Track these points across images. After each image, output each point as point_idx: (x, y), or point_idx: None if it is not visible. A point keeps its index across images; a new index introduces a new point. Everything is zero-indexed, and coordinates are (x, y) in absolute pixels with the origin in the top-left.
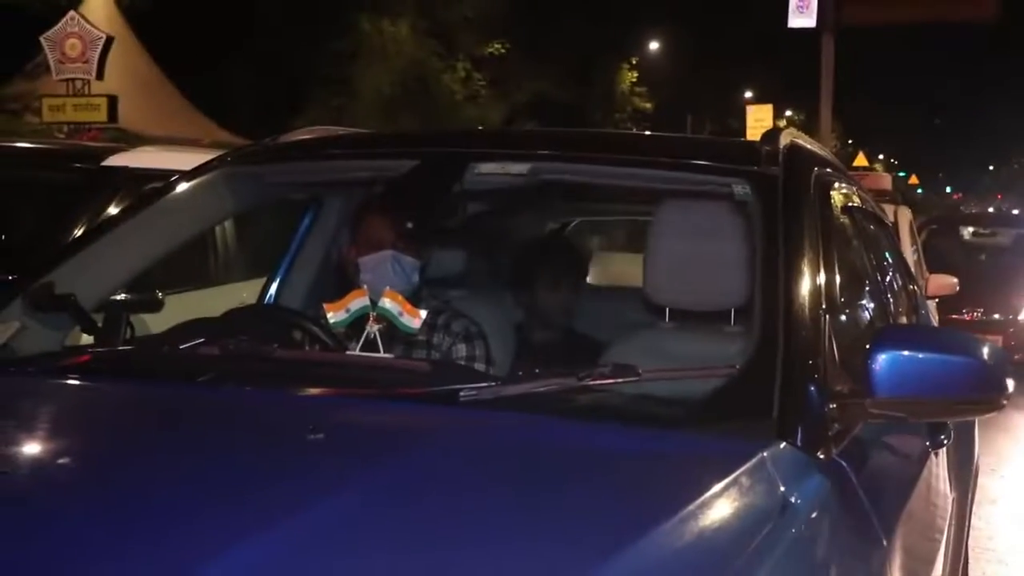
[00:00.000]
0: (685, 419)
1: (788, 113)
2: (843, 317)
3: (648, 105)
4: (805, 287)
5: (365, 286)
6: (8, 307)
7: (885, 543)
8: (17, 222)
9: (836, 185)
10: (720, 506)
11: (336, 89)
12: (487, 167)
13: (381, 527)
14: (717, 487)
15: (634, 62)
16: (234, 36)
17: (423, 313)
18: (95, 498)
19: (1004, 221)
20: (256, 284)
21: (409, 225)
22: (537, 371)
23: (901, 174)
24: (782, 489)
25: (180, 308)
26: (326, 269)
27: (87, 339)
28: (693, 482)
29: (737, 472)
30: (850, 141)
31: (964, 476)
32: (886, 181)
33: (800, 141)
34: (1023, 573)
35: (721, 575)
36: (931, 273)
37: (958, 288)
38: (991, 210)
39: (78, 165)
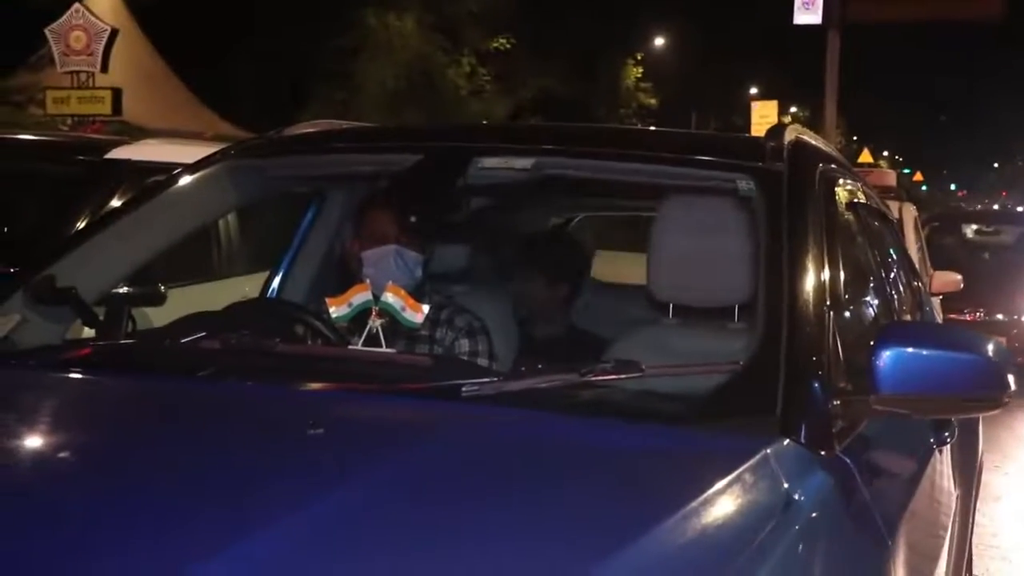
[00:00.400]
0: (688, 415)
1: (793, 109)
2: (847, 314)
3: (653, 101)
4: (809, 283)
5: (368, 280)
6: (9, 300)
7: (889, 540)
8: (20, 214)
9: (841, 181)
10: (723, 503)
11: (340, 83)
12: (491, 162)
13: (382, 524)
14: (720, 484)
15: (639, 58)
16: (239, 30)
17: (426, 308)
18: (94, 493)
19: (1008, 219)
20: (259, 278)
21: (412, 219)
22: (540, 367)
23: (906, 171)
24: (785, 486)
25: (183, 302)
26: (329, 263)
27: (89, 332)
28: (696, 479)
29: (740, 469)
30: (855, 138)
31: (968, 473)
32: (891, 178)
33: (805, 137)
34: None
35: (724, 572)
36: (935, 270)
37: (962, 286)
38: (995, 207)
39: (81, 158)
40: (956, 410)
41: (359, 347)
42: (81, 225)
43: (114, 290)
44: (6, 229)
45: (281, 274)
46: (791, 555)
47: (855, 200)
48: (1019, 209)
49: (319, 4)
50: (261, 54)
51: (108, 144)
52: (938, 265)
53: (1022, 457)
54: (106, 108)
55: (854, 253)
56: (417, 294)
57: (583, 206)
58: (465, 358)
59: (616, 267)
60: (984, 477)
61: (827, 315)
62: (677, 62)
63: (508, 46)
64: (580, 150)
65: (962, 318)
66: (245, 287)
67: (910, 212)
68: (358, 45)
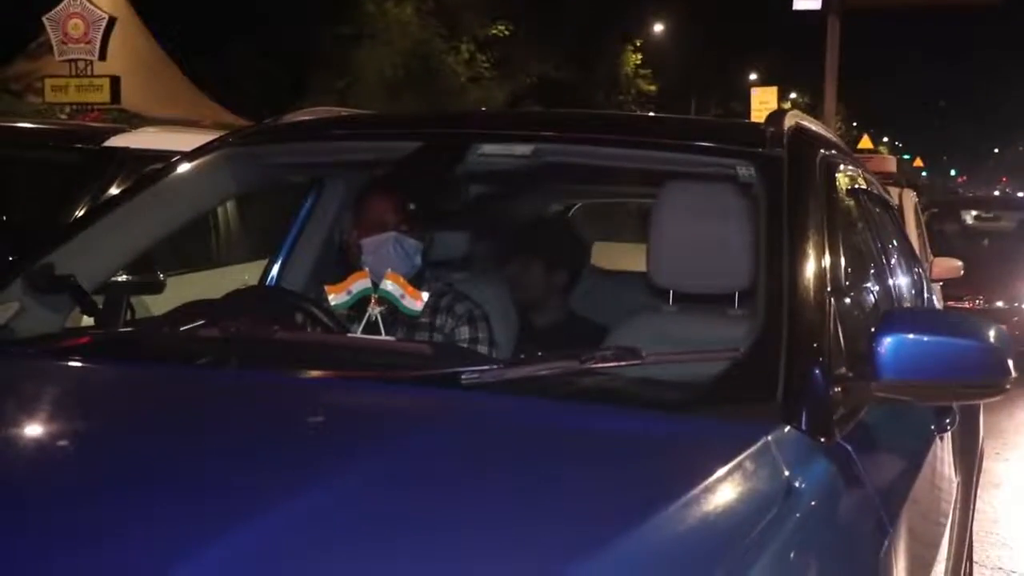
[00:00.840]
0: (689, 403)
1: (793, 95)
2: (848, 300)
3: (652, 88)
4: (810, 269)
5: (367, 268)
6: (8, 288)
7: (889, 527)
8: (18, 203)
9: (841, 167)
10: (724, 490)
11: (340, 71)
12: (490, 148)
13: (379, 513)
14: (721, 471)
15: (638, 44)
16: (238, 17)
17: (425, 295)
18: (89, 481)
19: (1008, 205)
20: (258, 266)
21: (411, 207)
22: (540, 354)
23: (905, 156)
24: (786, 473)
25: (182, 290)
26: (328, 251)
27: (88, 321)
28: (696, 466)
29: (741, 456)
30: (855, 124)
31: (969, 460)
32: (891, 164)
33: (805, 123)
34: None
35: (724, 559)
36: (935, 257)
37: (962, 272)
38: (995, 193)
39: (79, 146)
40: (957, 396)
41: (358, 335)
42: (79, 213)
43: (113, 278)
44: (5, 217)
45: (280, 262)
46: (792, 542)
47: (856, 186)
48: (1019, 195)
49: None
50: (260, 42)
51: (106, 132)
52: (938, 251)
53: (1022, 444)
54: (104, 96)
55: (855, 239)
56: (416, 281)
57: (583, 193)
58: (465, 345)
59: (613, 258)
60: (984, 464)
61: (828, 301)
62: (676, 48)
63: (507, 32)
64: (579, 136)
65: (962, 305)
66: (244, 275)
67: (910, 198)
68: (357, 33)
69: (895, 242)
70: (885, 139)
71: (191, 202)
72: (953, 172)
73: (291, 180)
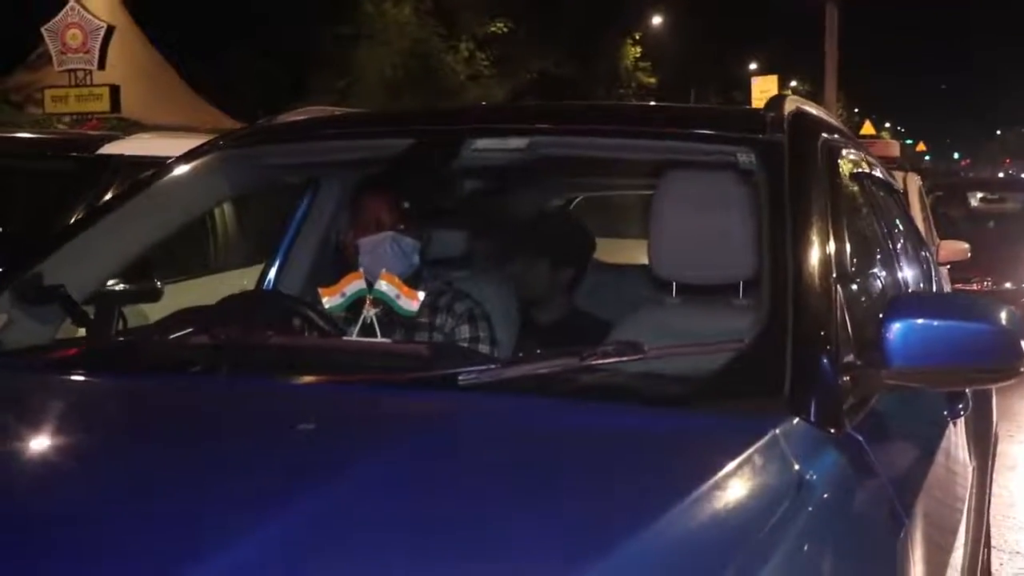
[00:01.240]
0: (693, 397)
1: (793, 83)
2: (855, 286)
3: (652, 80)
4: (814, 256)
5: (363, 269)
6: None
7: (905, 517)
8: (14, 213)
9: (844, 152)
10: (732, 486)
11: (339, 71)
12: (484, 143)
13: (377, 519)
14: (728, 467)
15: (637, 37)
16: (236, 22)
17: (421, 295)
18: (81, 496)
19: (1013, 186)
20: (257, 270)
21: (406, 205)
22: (539, 352)
23: (908, 141)
24: (796, 467)
25: (180, 297)
26: (325, 253)
27: (81, 331)
28: (703, 463)
29: (749, 451)
30: (856, 110)
31: (983, 445)
32: (894, 148)
33: (806, 108)
34: None
35: (735, 559)
36: (941, 240)
37: (969, 255)
38: (1000, 175)
39: (74, 154)
40: (970, 381)
41: (353, 337)
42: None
43: (108, 287)
44: (1, 229)
45: (276, 265)
46: (805, 537)
47: (859, 170)
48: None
49: None
50: (258, 44)
51: (101, 140)
52: (944, 235)
53: None
54: (104, 105)
55: (860, 224)
56: (415, 280)
57: (583, 186)
58: (466, 344)
59: (614, 253)
60: (999, 447)
61: (834, 288)
62: (676, 40)
63: (506, 30)
64: (575, 128)
65: (969, 287)
66: (243, 280)
67: (915, 182)
68: (356, 33)
69: (901, 226)
70: (887, 125)
71: (183, 207)
72: (956, 155)
73: (286, 181)
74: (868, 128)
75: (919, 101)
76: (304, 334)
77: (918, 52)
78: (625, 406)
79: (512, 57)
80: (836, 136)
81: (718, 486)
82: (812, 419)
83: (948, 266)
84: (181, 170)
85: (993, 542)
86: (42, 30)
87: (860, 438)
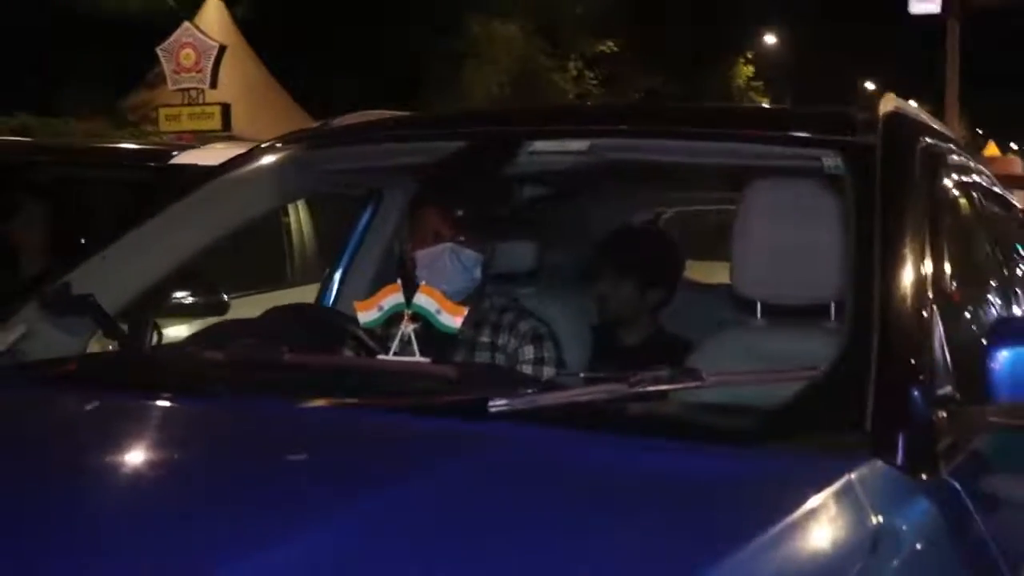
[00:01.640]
0: (755, 433)
1: (912, 103)
2: (957, 310)
3: (765, 100)
4: (906, 273)
5: (422, 283)
6: (24, 310)
7: None
8: (94, 223)
9: (949, 159)
10: (793, 543)
11: (446, 92)
12: (543, 145)
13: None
14: (788, 520)
15: (750, 56)
16: (343, 40)
17: (465, 311)
18: (49, 524)
19: None
20: None
21: (460, 213)
22: (582, 375)
23: None
24: (874, 520)
25: (249, 311)
26: (388, 265)
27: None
28: (761, 514)
29: (815, 499)
30: (979, 131)
31: None
32: (1016, 165)
33: (905, 108)
34: None
35: None
36: None
37: None
38: None
39: (150, 164)
40: None
41: (386, 356)
42: None
43: (176, 299)
44: (83, 240)
45: (338, 279)
46: None
47: (967, 181)
48: None
49: (428, 10)
50: (367, 66)
51: (175, 150)
52: None
53: None
54: (215, 124)
55: (966, 241)
56: (477, 297)
57: (665, 199)
58: (529, 367)
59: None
60: None
61: (929, 310)
62: (790, 59)
63: (615, 49)
64: (640, 129)
65: None
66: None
67: None
68: (463, 52)
69: (1021, 250)
70: (1014, 146)
71: (231, 214)
72: None
73: (343, 188)
74: (992, 149)
75: None
76: (343, 352)
77: None
78: (675, 443)
79: (620, 76)
80: (940, 142)
81: (776, 542)
82: (898, 462)
83: None
84: (231, 176)
85: None
86: (157, 50)
87: (956, 485)
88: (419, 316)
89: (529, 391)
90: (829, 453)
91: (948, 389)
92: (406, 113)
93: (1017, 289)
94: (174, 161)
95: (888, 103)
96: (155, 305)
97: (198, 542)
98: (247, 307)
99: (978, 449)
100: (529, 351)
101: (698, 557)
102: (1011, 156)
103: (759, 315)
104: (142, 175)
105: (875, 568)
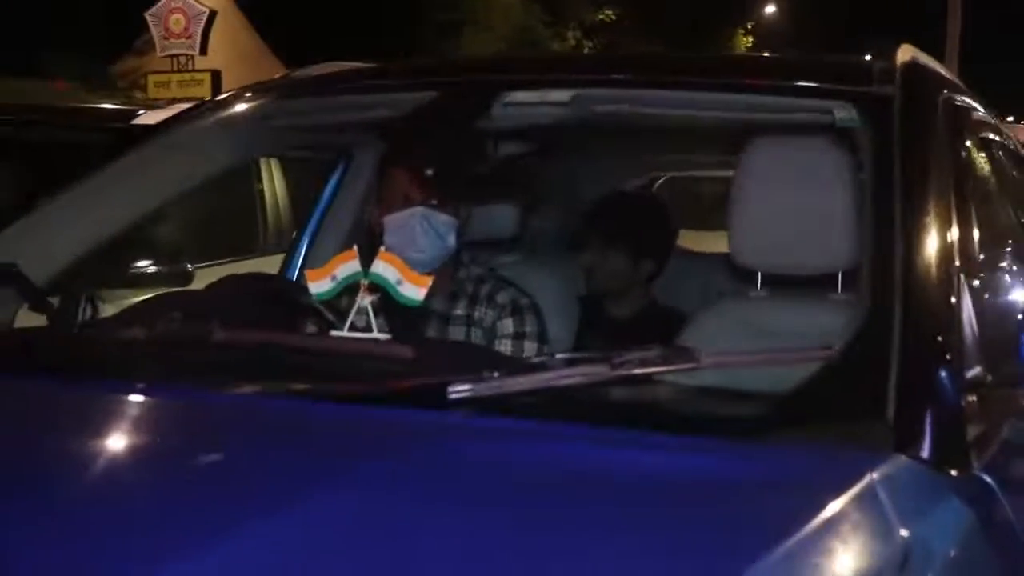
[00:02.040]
0: (761, 424)
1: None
2: (985, 280)
3: None
4: (932, 239)
5: (391, 251)
6: None
7: None
8: (44, 185)
9: (971, 116)
10: (808, 564)
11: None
12: (520, 96)
13: None
14: (802, 533)
15: (749, 27)
16: (338, 6)
17: (430, 280)
18: None
19: None
20: None
21: (431, 173)
22: (559, 356)
23: None
24: (902, 532)
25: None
26: (359, 233)
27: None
28: (768, 527)
29: (831, 506)
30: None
31: None
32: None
33: (923, 59)
34: None
35: None
36: None
37: None
38: None
39: (113, 125)
40: None
41: (342, 333)
42: None
43: (134, 269)
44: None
45: (304, 247)
46: None
47: (989, 138)
48: None
49: None
50: (360, 31)
51: (138, 110)
52: None
53: None
54: (205, 91)
55: (991, 203)
56: (451, 265)
57: (657, 162)
58: (508, 343)
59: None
60: None
61: (957, 281)
62: (788, 30)
63: (613, 18)
64: (629, 78)
65: None
66: None
67: None
68: (460, 20)
69: None
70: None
71: (177, 175)
72: None
73: (311, 149)
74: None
75: None
76: (303, 328)
77: None
78: (665, 437)
79: (619, 46)
80: (960, 97)
81: (786, 558)
82: (924, 455)
83: None
84: (175, 132)
85: None
86: (146, 15)
87: (991, 481)
88: (377, 287)
89: (495, 375)
90: (846, 448)
91: (978, 370)
92: (375, 64)
93: None
94: (137, 121)
95: (906, 52)
96: (93, 275)
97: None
98: (214, 277)
99: (1011, 438)
100: (508, 325)
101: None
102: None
103: (759, 286)
104: (103, 137)
105: None
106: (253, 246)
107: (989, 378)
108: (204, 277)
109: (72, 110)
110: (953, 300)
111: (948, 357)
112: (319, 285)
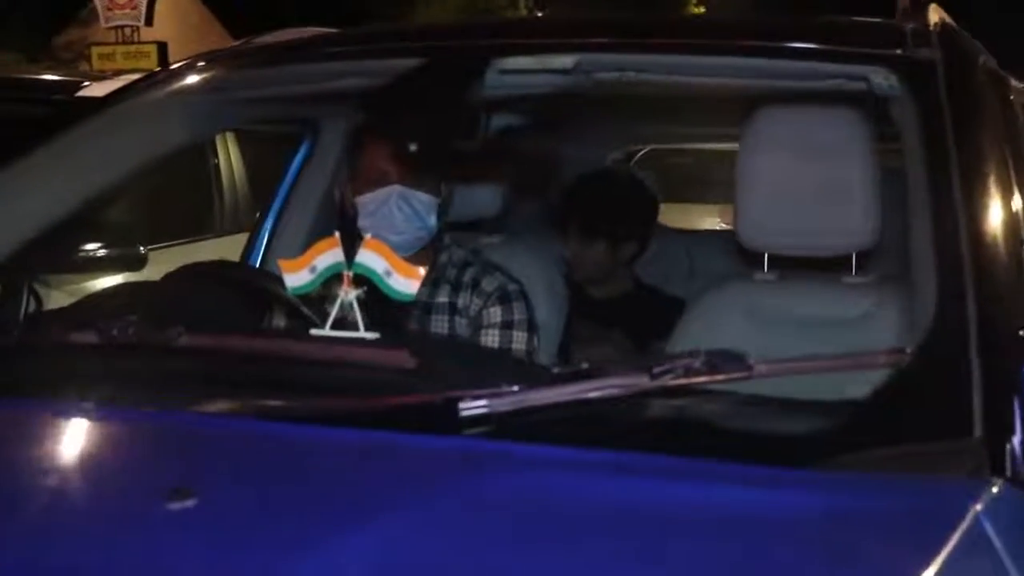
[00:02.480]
0: (824, 446)
1: None
2: None
3: None
4: (999, 217)
5: (366, 233)
6: None
7: None
8: None
9: (1008, 81)
10: None
11: None
12: (515, 62)
13: None
14: None
15: None
16: None
17: (422, 271)
18: None
19: None
20: None
21: (409, 147)
22: (586, 366)
23: None
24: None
25: (169, 266)
26: (328, 213)
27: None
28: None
29: (937, 549)
30: None
31: None
32: None
33: (951, 22)
34: None
35: None
36: None
37: None
38: None
39: (56, 97)
40: None
41: (324, 332)
42: None
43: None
44: None
45: (269, 229)
46: None
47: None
48: None
49: None
50: (308, 1)
51: (84, 82)
52: None
53: None
54: (152, 63)
55: None
56: (432, 249)
57: (650, 135)
58: (495, 333)
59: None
60: None
61: None
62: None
63: None
64: (638, 42)
65: None
66: None
67: None
68: None
69: None
70: None
71: (127, 152)
72: None
73: (273, 122)
74: None
75: None
76: (279, 322)
77: None
78: (717, 463)
79: (570, 14)
80: (993, 62)
81: None
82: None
83: None
84: (125, 105)
85: None
86: None
87: None
88: (363, 279)
89: (515, 388)
90: (936, 474)
91: None
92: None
93: None
94: (82, 93)
95: (935, 13)
96: (37, 261)
97: None
98: (169, 259)
99: None
100: (496, 313)
101: None
102: None
103: (765, 268)
104: (45, 110)
105: None
106: (209, 226)
107: None
108: (158, 260)
109: (11, 81)
110: None
111: None
112: (296, 277)
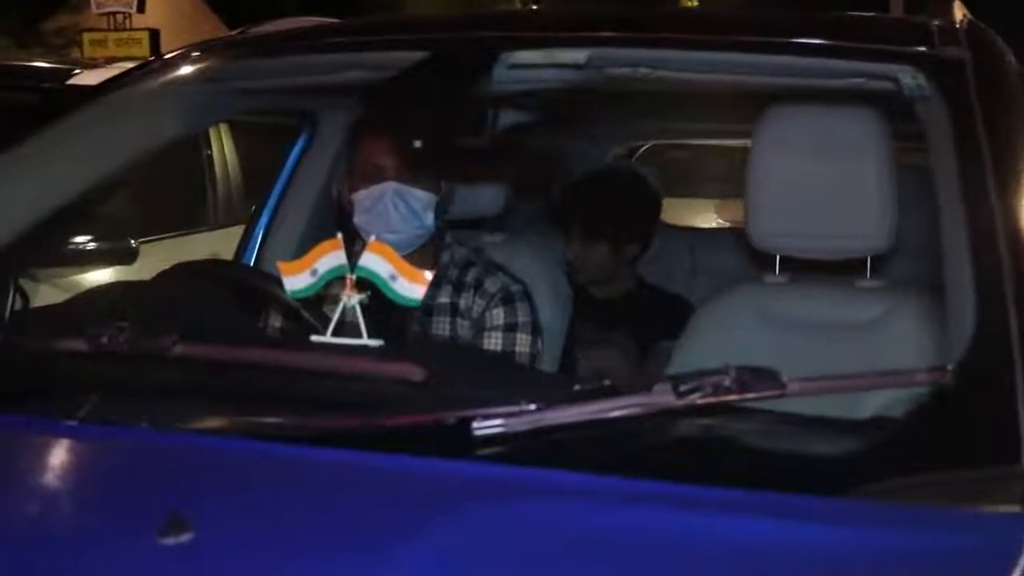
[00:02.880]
0: (859, 474)
1: None
2: None
3: None
4: None
5: (360, 231)
6: None
7: None
8: None
9: None
10: None
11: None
12: (524, 56)
13: None
14: None
15: None
16: None
17: (429, 275)
18: None
19: None
20: None
21: (416, 144)
22: (607, 384)
23: None
24: None
25: (161, 259)
26: (325, 210)
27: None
28: None
29: None
30: None
31: None
32: None
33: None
34: None
35: None
36: None
37: None
38: None
39: (45, 85)
40: None
41: (325, 338)
42: None
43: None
44: None
45: (264, 225)
46: None
47: None
48: None
49: None
50: None
51: (72, 70)
52: None
53: None
54: (144, 50)
55: None
56: (432, 248)
57: (655, 131)
58: (499, 335)
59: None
60: None
61: None
62: None
63: None
64: (656, 36)
65: None
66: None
67: None
68: None
69: None
70: None
71: (119, 144)
72: None
73: (271, 114)
74: None
75: None
76: (275, 325)
77: None
78: (751, 493)
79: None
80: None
81: None
82: None
83: None
84: (118, 95)
85: None
86: None
87: None
88: (367, 283)
89: (532, 406)
90: (982, 504)
91: None
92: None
93: None
94: (73, 82)
95: (959, 9)
96: (25, 254)
97: None
98: (160, 253)
99: None
100: (499, 315)
101: None
102: None
103: (777, 270)
104: (35, 99)
105: None
106: (202, 219)
107: None
108: (149, 253)
109: (0, 68)
110: None
111: None
112: (297, 280)
